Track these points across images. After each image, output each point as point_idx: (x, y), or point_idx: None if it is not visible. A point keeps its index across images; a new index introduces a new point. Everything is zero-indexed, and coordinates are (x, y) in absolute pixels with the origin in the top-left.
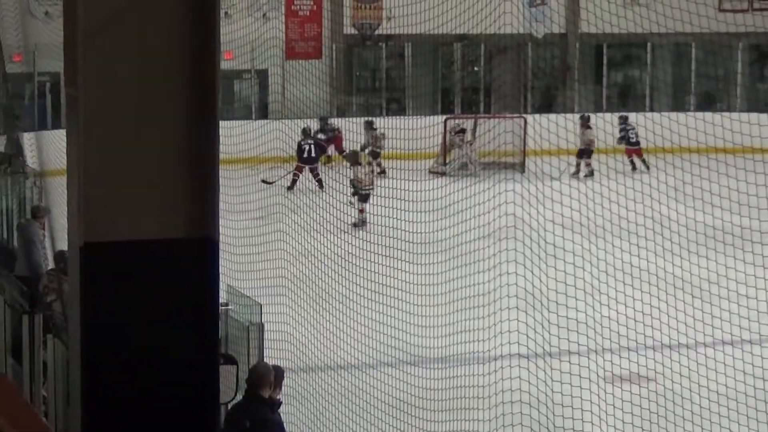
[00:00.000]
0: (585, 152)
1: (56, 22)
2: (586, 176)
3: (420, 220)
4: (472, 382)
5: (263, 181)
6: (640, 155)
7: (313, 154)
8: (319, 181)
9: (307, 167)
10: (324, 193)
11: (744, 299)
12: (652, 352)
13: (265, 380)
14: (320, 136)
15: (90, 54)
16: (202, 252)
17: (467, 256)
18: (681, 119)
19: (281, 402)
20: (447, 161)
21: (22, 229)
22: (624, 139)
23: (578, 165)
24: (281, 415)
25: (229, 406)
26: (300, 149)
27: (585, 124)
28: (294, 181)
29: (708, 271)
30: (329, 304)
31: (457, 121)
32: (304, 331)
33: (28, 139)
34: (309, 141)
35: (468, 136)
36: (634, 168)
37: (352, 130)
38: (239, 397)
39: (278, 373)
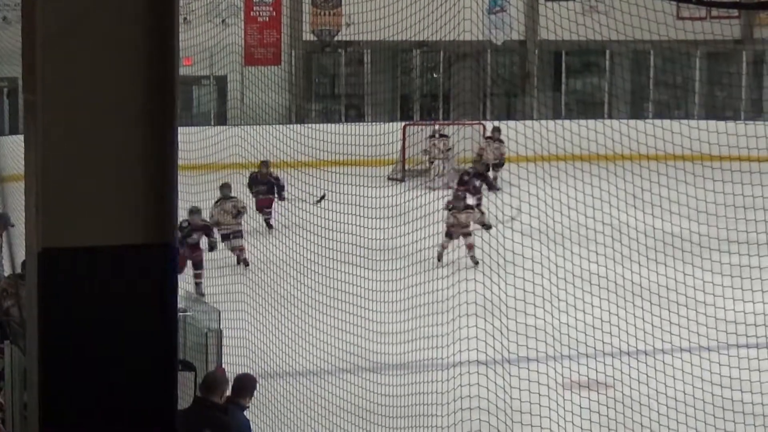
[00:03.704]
0: (498, 165)
1: (14, 27)
2: (498, 189)
3: (378, 227)
4: (431, 389)
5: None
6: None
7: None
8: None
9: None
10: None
11: (702, 306)
12: (610, 359)
13: (219, 386)
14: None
15: (48, 59)
16: (161, 257)
17: (426, 262)
18: (639, 126)
19: (245, 407)
20: (422, 167)
21: None
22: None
23: (495, 179)
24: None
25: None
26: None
27: (497, 137)
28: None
29: (666, 277)
30: (287, 310)
31: (436, 126)
32: (263, 338)
33: None
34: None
35: (449, 142)
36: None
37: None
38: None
39: (250, 382)
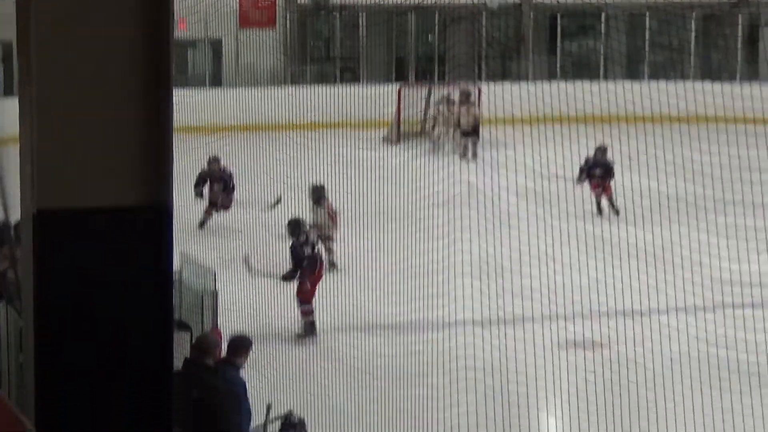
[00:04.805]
0: (472, 133)
1: None
2: (473, 156)
3: (373, 188)
4: (427, 349)
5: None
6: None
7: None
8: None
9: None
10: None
11: (697, 266)
12: (605, 318)
13: (211, 348)
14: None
15: (43, 21)
16: (156, 219)
17: (421, 223)
18: (635, 88)
19: (240, 367)
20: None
21: None
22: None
23: (466, 146)
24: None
25: None
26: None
27: (466, 100)
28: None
29: (661, 237)
30: (283, 270)
31: (443, 89)
32: (258, 298)
33: None
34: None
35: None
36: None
37: None
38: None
39: (244, 342)
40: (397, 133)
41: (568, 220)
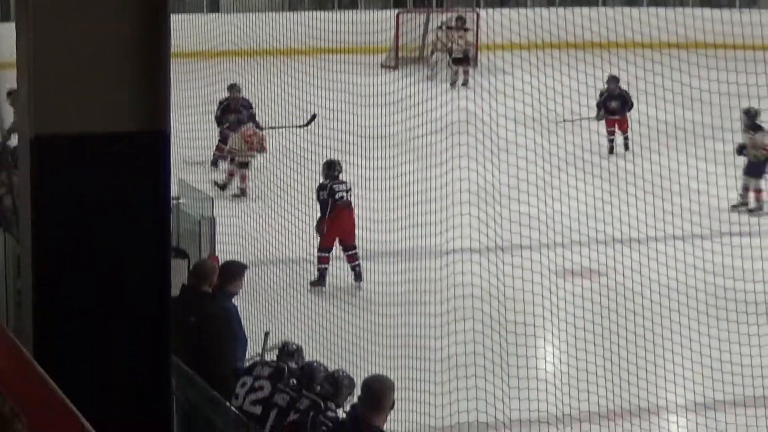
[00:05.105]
0: (464, 60)
1: None
2: (463, 84)
3: (371, 115)
4: (424, 276)
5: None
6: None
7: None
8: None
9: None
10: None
11: (695, 194)
12: (603, 247)
13: (208, 274)
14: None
15: None
16: (154, 145)
17: (419, 150)
18: (633, 14)
19: (234, 293)
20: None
21: None
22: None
23: (456, 73)
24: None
25: None
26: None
27: (461, 26)
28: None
29: (660, 165)
30: (281, 198)
31: (442, 15)
32: (256, 225)
33: None
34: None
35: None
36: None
37: None
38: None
39: (238, 269)
40: (396, 59)
41: (566, 148)
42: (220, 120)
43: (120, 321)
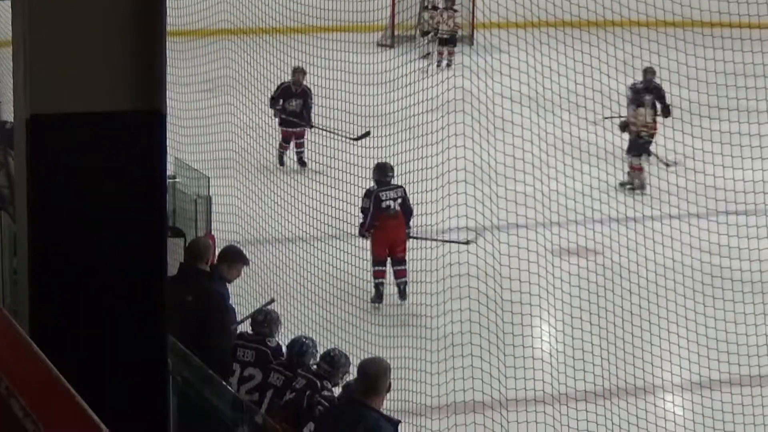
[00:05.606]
0: (449, 41)
1: None
2: (447, 65)
3: (367, 93)
4: (420, 255)
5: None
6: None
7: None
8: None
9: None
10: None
11: (691, 173)
12: (599, 226)
13: (204, 253)
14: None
15: None
16: (150, 124)
17: (414, 129)
18: None
19: (229, 279)
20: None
21: None
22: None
23: (441, 54)
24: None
25: None
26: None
27: (450, 6)
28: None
29: (656, 144)
30: (277, 177)
31: None
32: (252, 204)
33: None
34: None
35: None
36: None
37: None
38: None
39: (237, 255)
40: (392, 38)
41: (563, 126)
42: (275, 102)
43: (116, 300)
